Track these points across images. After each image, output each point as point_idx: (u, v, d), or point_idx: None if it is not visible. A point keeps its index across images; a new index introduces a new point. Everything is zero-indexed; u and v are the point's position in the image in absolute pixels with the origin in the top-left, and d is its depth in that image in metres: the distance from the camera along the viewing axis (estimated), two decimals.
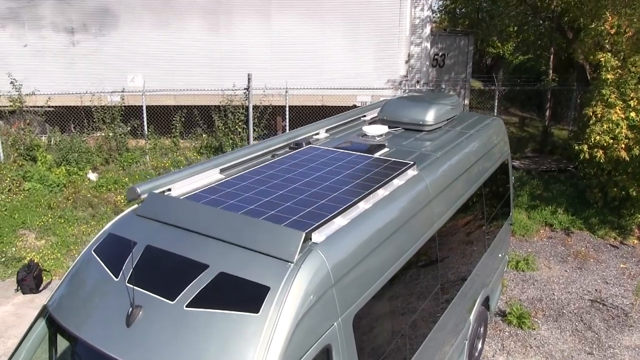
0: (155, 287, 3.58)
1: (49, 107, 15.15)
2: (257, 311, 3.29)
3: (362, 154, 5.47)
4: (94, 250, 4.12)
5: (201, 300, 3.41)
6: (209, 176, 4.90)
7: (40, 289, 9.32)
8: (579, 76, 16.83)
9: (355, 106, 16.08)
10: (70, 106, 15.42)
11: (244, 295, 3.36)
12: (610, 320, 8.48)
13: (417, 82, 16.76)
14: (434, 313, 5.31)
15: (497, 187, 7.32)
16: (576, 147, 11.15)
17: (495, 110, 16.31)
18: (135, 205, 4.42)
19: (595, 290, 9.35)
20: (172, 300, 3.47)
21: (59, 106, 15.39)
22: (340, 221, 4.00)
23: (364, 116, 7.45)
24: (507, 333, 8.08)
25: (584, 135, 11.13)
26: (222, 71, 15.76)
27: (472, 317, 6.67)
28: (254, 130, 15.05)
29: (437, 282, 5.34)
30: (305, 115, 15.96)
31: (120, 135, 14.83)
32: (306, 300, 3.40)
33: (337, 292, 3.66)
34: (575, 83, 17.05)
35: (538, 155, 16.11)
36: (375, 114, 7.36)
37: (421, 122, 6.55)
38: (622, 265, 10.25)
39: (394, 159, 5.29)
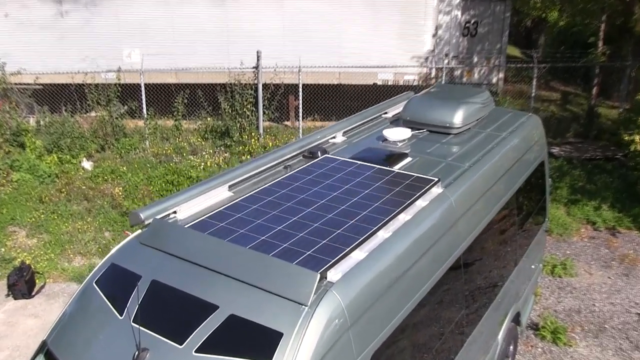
0: (162, 329, 3.82)
1: (37, 85, 15.41)
2: (269, 359, 3.52)
3: (382, 167, 5.65)
4: (95, 282, 4.37)
5: (211, 345, 3.64)
6: (217, 194, 5.13)
7: (33, 294, 9.66)
8: (635, 49, 16.64)
9: (375, 85, 16.21)
10: (60, 84, 15.68)
11: (256, 342, 3.59)
12: None
13: (446, 55, 16.80)
14: (459, 339, 5.53)
15: (532, 194, 7.48)
16: (626, 138, 11.12)
17: (534, 90, 16.34)
18: (139, 231, 4.66)
19: None
20: (181, 344, 3.71)
21: (49, 84, 15.65)
22: (357, 255, 4.19)
23: (385, 113, 7.61)
24: (539, 349, 8.29)
25: (637, 123, 11.04)
26: (229, 46, 15.92)
27: (500, 336, 6.88)
28: (264, 112, 15.24)
29: (462, 307, 5.54)
30: (320, 94, 16.11)
31: (116, 118, 15.09)
32: (321, 347, 3.61)
33: (354, 335, 3.88)
34: (631, 57, 16.87)
35: (581, 141, 16.14)
36: (398, 111, 7.51)
37: (447, 125, 6.70)
38: None
39: (416, 175, 5.47)
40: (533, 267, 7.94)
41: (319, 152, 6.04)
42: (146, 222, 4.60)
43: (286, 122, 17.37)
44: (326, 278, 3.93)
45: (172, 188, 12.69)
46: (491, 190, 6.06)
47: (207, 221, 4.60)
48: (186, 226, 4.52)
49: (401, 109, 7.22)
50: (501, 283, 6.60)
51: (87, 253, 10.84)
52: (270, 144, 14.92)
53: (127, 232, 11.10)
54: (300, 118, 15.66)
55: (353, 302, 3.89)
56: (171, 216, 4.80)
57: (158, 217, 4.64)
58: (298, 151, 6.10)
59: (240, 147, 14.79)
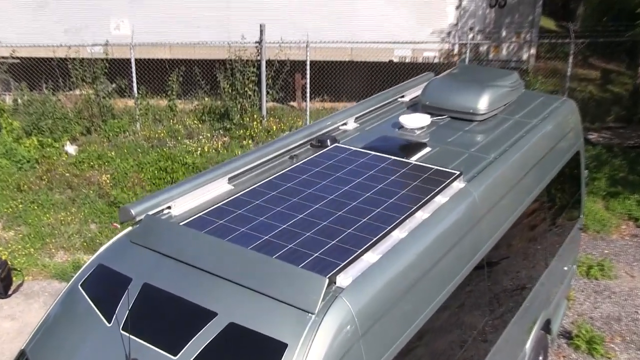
0: (154, 337, 3.87)
1: (13, 58, 15.46)
2: None
3: (398, 158, 5.68)
4: (81, 285, 4.41)
5: (208, 356, 3.68)
6: (216, 188, 5.17)
7: (10, 292, 9.73)
8: None
9: (391, 62, 16.20)
10: (40, 58, 15.73)
11: (258, 353, 3.63)
12: None
13: (470, 29, 16.76)
14: (482, 349, 5.58)
15: (565, 188, 7.49)
16: None
17: (570, 68, 16.27)
18: (129, 228, 4.72)
19: None
20: (175, 355, 3.75)
21: (27, 58, 15.70)
22: (370, 257, 4.23)
23: (402, 96, 7.64)
24: None
25: None
26: (229, 18, 15.93)
27: (528, 345, 6.92)
28: (268, 92, 15.27)
29: (486, 313, 5.59)
30: (329, 72, 16.12)
31: (103, 97, 15.15)
32: (329, 359, 3.67)
33: (366, 345, 3.92)
34: None
35: (624, 126, 16.06)
36: (416, 94, 7.53)
37: (471, 111, 6.71)
38: None
39: (436, 168, 5.49)
40: (566, 268, 7.97)
41: (328, 141, 6.07)
42: (137, 219, 4.64)
43: (292, 103, 17.40)
44: (335, 283, 3.97)
45: (166, 176, 12.78)
46: (519, 184, 6.08)
47: (205, 218, 4.65)
48: (181, 224, 4.57)
49: (420, 92, 7.24)
50: (530, 287, 6.64)
51: (71, 247, 10.94)
52: (274, 127, 14.97)
53: (115, 224, 11.20)
54: (308, 99, 15.68)
55: (365, 309, 3.93)
56: (165, 212, 4.84)
57: (150, 213, 4.69)
58: (305, 139, 6.14)
59: (241, 131, 14.84)
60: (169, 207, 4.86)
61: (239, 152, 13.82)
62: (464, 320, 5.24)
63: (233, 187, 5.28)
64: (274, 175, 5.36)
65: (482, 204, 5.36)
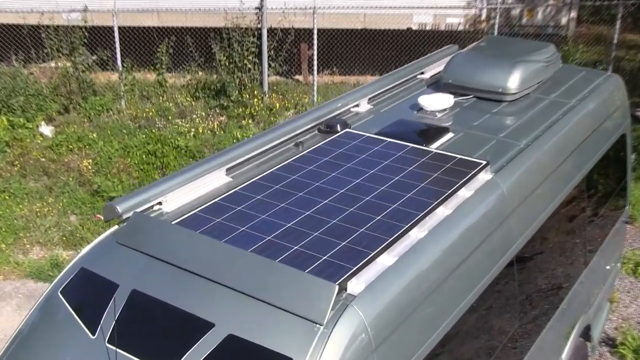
0: (144, 351, 3.91)
1: None
2: None
3: (416, 145, 5.72)
4: (61, 292, 4.45)
5: None
6: (212, 181, 5.23)
7: None
8: None
9: (410, 30, 16.18)
10: (8, 25, 15.72)
11: None
12: None
13: None
14: (512, 359, 5.64)
15: (608, 176, 7.51)
16: None
17: (617, 33, 16.17)
18: (115, 227, 4.77)
19: None
20: None
21: None
22: (385, 260, 4.27)
23: (422, 73, 7.66)
24: None
25: None
26: None
27: (565, 354, 6.93)
28: (270, 65, 15.29)
29: (516, 319, 5.65)
30: (340, 41, 16.11)
31: (83, 70, 15.16)
32: None
33: (380, 359, 3.98)
34: None
35: None
36: (437, 70, 7.56)
37: (500, 90, 6.72)
38: None
39: (459, 156, 5.53)
40: (608, 267, 7.99)
41: (338, 126, 6.10)
42: (124, 217, 4.68)
43: (297, 77, 17.42)
44: (346, 290, 4.00)
45: (155, 160, 12.85)
46: (555, 173, 6.09)
47: (200, 216, 4.70)
48: (174, 222, 4.61)
49: (442, 68, 7.26)
50: (567, 288, 6.67)
51: (48, 242, 11.04)
52: (277, 104, 15.00)
53: (98, 215, 11.27)
54: (315, 72, 15.68)
55: (379, 319, 3.96)
56: (155, 208, 4.88)
57: (139, 210, 4.73)
58: (312, 124, 6.17)
59: (240, 109, 14.88)
60: (160, 203, 4.90)
61: (238, 133, 13.87)
62: (492, 328, 5.29)
63: (231, 180, 5.32)
64: (277, 166, 5.40)
65: (512, 198, 5.38)
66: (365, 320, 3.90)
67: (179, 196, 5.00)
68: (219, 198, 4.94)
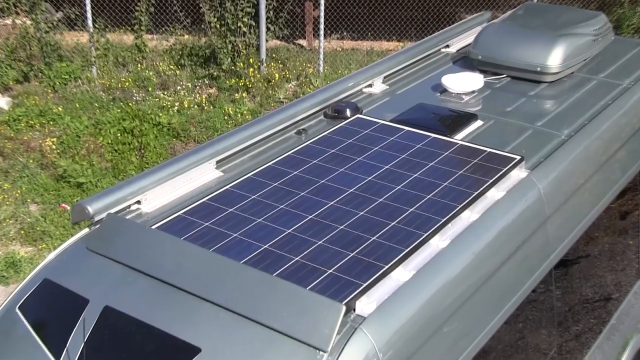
0: None
1: None
2: None
3: (439, 136, 5.74)
4: (19, 307, 4.46)
5: None
6: (199, 175, 5.26)
7: None
8: None
9: None
10: None
11: None
12: None
13: None
14: None
15: None
16: None
17: None
18: (86, 230, 4.79)
19: None
20: None
21: None
22: (400, 274, 4.29)
23: (447, 46, 7.69)
24: None
25: None
26: None
27: None
28: (269, 28, 15.29)
29: (554, 339, 5.68)
30: (350, 0, 16.09)
31: (46, 31, 15.09)
32: None
33: None
34: None
35: None
36: (465, 43, 7.58)
37: (539, 68, 6.72)
38: None
39: (489, 150, 5.54)
40: None
41: (347, 110, 6.12)
42: (96, 219, 4.70)
43: (300, 42, 17.44)
44: (354, 310, 4.01)
45: (132, 140, 12.84)
46: (603, 169, 6.10)
47: (185, 219, 4.72)
48: (155, 226, 4.63)
49: (470, 41, 7.27)
50: (615, 303, 6.71)
51: (3, 237, 11.03)
52: (277, 75, 15.01)
53: (64, 205, 11.34)
54: (322, 36, 15.66)
55: (392, 344, 3.97)
56: (133, 208, 4.91)
57: (113, 210, 4.76)
58: (318, 107, 6.20)
59: (233, 80, 14.91)
60: (139, 202, 4.93)
61: (230, 109, 13.89)
62: (526, 351, 5.31)
63: (222, 174, 5.36)
64: (276, 159, 5.42)
65: (551, 200, 5.38)
66: (376, 346, 3.91)
67: (161, 194, 5.03)
68: (207, 197, 4.97)
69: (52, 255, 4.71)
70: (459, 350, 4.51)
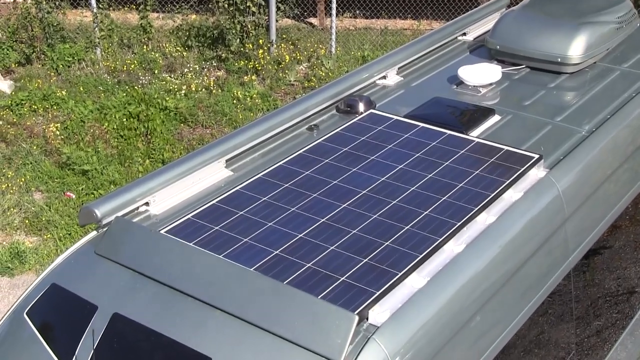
0: None
1: None
2: None
3: (454, 132, 5.76)
4: (27, 313, 4.53)
5: None
6: (209, 175, 5.31)
7: None
8: None
9: None
10: None
11: None
12: None
13: None
14: None
15: None
16: None
17: None
18: (94, 234, 4.84)
19: None
20: None
21: None
22: (414, 281, 4.32)
23: (464, 34, 7.70)
24: None
25: None
26: None
27: None
28: (279, 7, 15.29)
29: (572, 348, 5.71)
30: None
31: (48, 11, 15.02)
32: None
33: None
34: None
35: None
36: (483, 32, 7.58)
37: (559, 59, 6.70)
38: None
39: (506, 148, 5.55)
40: None
41: (360, 105, 6.14)
42: (104, 222, 4.75)
43: (312, 21, 17.41)
44: (367, 319, 4.05)
45: (139, 125, 12.85)
46: (625, 167, 6.09)
47: (195, 222, 4.77)
48: (164, 230, 4.68)
49: (488, 28, 7.26)
50: (635, 310, 6.74)
51: (7, 226, 11.08)
52: (287, 57, 14.99)
53: (69, 193, 11.38)
54: (334, 14, 15.60)
55: (406, 354, 4.01)
56: (141, 210, 4.97)
57: (121, 213, 4.81)
58: (329, 102, 6.22)
59: (242, 62, 14.90)
60: (147, 204, 4.98)
61: (239, 92, 13.89)
62: (544, 354, 5.34)
63: (232, 173, 5.41)
64: (287, 158, 5.46)
65: (570, 201, 5.38)
66: (390, 356, 3.95)
67: (170, 195, 5.08)
68: (217, 199, 5.01)
69: (59, 259, 4.75)
70: (474, 358, 4.55)
